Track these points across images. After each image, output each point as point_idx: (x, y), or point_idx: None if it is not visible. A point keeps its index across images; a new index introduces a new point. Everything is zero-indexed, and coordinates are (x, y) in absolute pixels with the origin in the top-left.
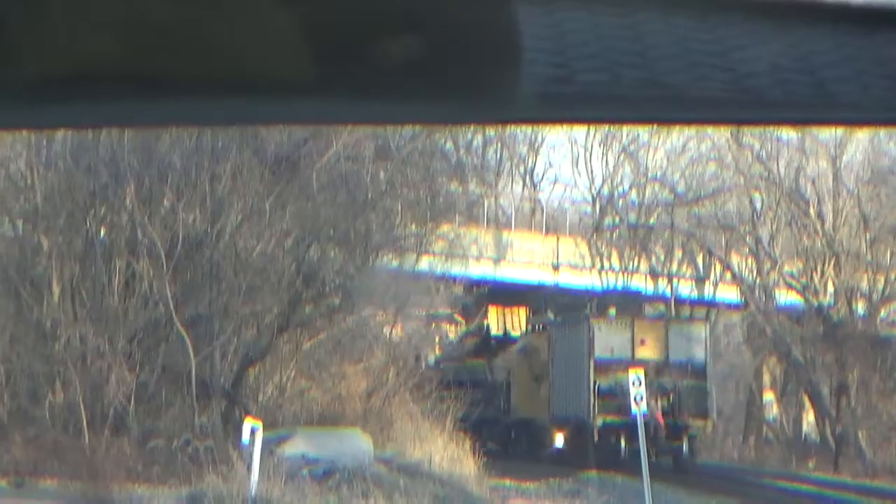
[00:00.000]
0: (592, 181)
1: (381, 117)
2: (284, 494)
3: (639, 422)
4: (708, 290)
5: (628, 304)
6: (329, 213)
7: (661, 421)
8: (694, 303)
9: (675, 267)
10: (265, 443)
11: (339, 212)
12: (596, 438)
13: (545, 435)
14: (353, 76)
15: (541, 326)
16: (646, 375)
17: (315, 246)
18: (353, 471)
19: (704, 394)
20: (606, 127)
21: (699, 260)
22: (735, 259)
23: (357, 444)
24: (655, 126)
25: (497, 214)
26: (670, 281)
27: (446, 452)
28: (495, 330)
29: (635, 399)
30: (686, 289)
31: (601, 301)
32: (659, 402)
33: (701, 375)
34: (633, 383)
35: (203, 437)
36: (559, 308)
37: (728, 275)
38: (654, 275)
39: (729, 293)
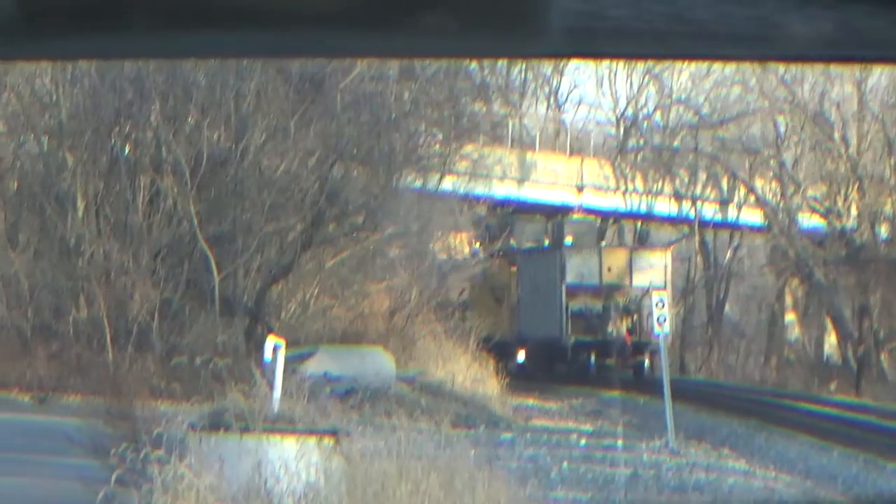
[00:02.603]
0: (617, 103)
1: (411, 50)
2: (306, 413)
3: (661, 343)
4: (732, 213)
5: (585, 231)
6: (353, 133)
7: (629, 339)
8: (718, 225)
9: (699, 189)
10: (287, 361)
11: (363, 131)
12: (569, 355)
13: (510, 352)
14: (383, 9)
15: (502, 252)
16: (610, 299)
17: (338, 165)
18: (375, 390)
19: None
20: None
21: (723, 183)
22: (759, 182)
23: (380, 362)
24: (681, 62)
25: (521, 135)
26: (694, 203)
27: (469, 372)
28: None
29: (658, 320)
30: (710, 211)
31: (558, 228)
32: (624, 323)
33: None
34: (657, 305)
35: (225, 354)
36: (522, 236)
37: (752, 198)
38: (678, 197)
39: (753, 216)
